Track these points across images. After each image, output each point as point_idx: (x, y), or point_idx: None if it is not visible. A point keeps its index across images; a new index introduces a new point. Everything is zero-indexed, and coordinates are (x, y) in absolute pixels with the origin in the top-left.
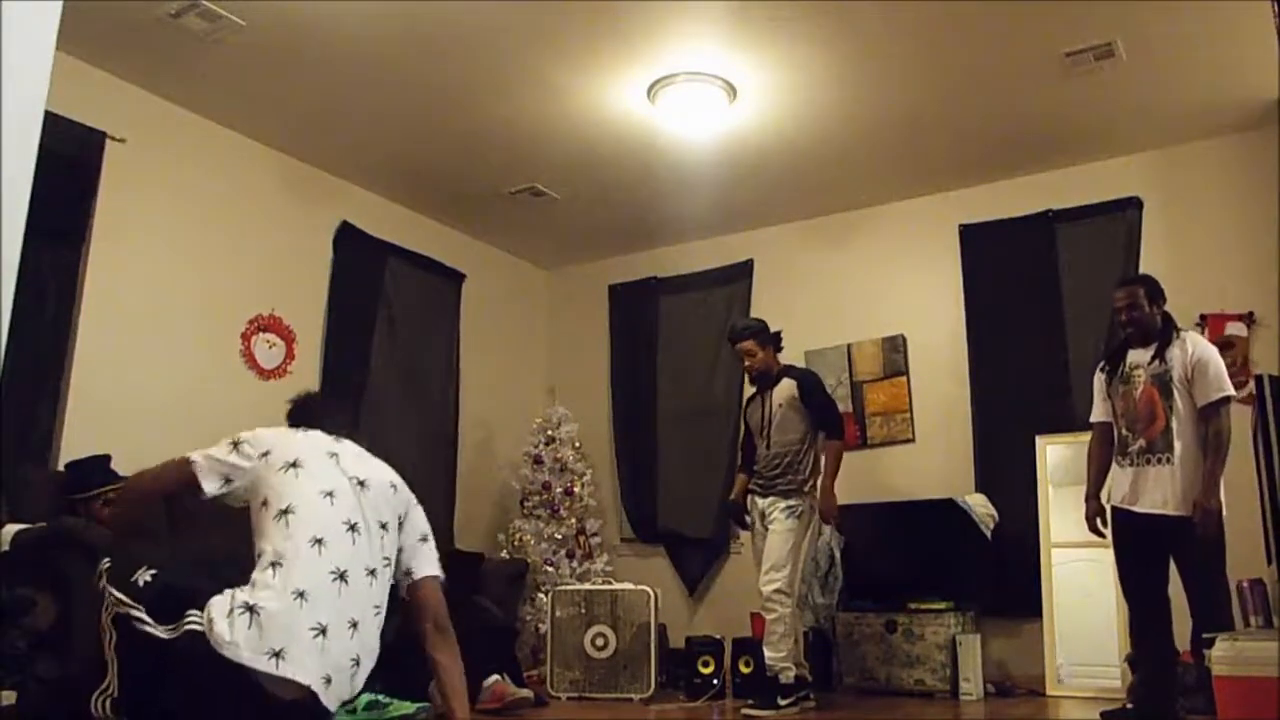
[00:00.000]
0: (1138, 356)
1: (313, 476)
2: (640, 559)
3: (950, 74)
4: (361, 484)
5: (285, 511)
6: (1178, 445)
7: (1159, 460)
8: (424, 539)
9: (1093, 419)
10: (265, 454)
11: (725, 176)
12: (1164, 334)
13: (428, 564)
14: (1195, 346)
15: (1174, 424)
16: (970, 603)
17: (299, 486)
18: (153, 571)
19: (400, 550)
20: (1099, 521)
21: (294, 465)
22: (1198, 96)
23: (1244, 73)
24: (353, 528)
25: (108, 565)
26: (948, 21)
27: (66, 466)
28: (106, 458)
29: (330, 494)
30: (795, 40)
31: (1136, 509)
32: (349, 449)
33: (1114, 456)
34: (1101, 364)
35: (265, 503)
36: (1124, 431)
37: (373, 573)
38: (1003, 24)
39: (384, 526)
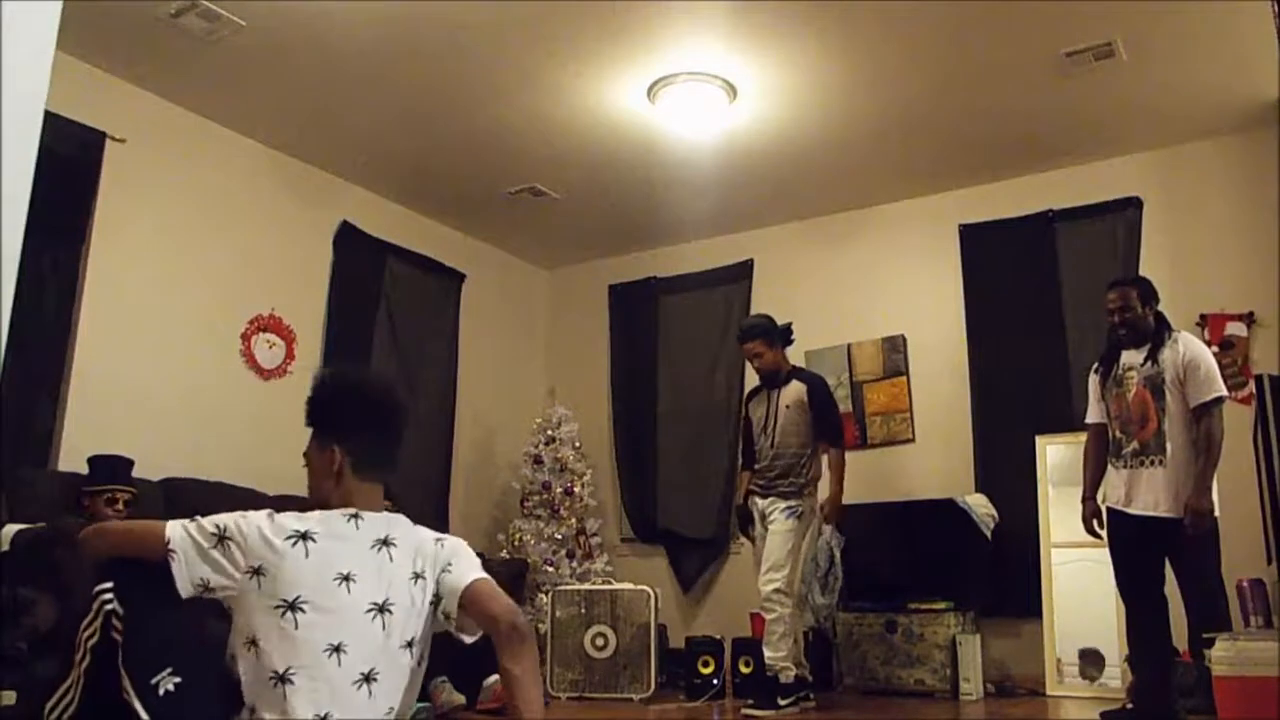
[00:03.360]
0: (1131, 358)
1: (315, 626)
2: (640, 559)
3: (950, 74)
4: (381, 608)
5: (281, 679)
6: (1170, 447)
7: (1152, 462)
8: (449, 567)
9: (1087, 420)
10: (256, 571)
11: (725, 176)
12: (1157, 335)
13: (468, 571)
14: (1187, 347)
15: (1166, 425)
16: (970, 603)
17: (298, 643)
18: (177, 680)
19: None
20: (1095, 523)
21: (293, 608)
22: (1198, 96)
23: (1244, 73)
24: (368, 678)
25: (112, 606)
26: (948, 21)
27: (88, 460)
28: (129, 461)
29: (338, 649)
30: (795, 40)
31: (1130, 510)
32: (367, 556)
33: (1109, 458)
34: (1095, 365)
35: (253, 646)
36: (1118, 433)
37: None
38: (1002, 24)
39: (410, 645)
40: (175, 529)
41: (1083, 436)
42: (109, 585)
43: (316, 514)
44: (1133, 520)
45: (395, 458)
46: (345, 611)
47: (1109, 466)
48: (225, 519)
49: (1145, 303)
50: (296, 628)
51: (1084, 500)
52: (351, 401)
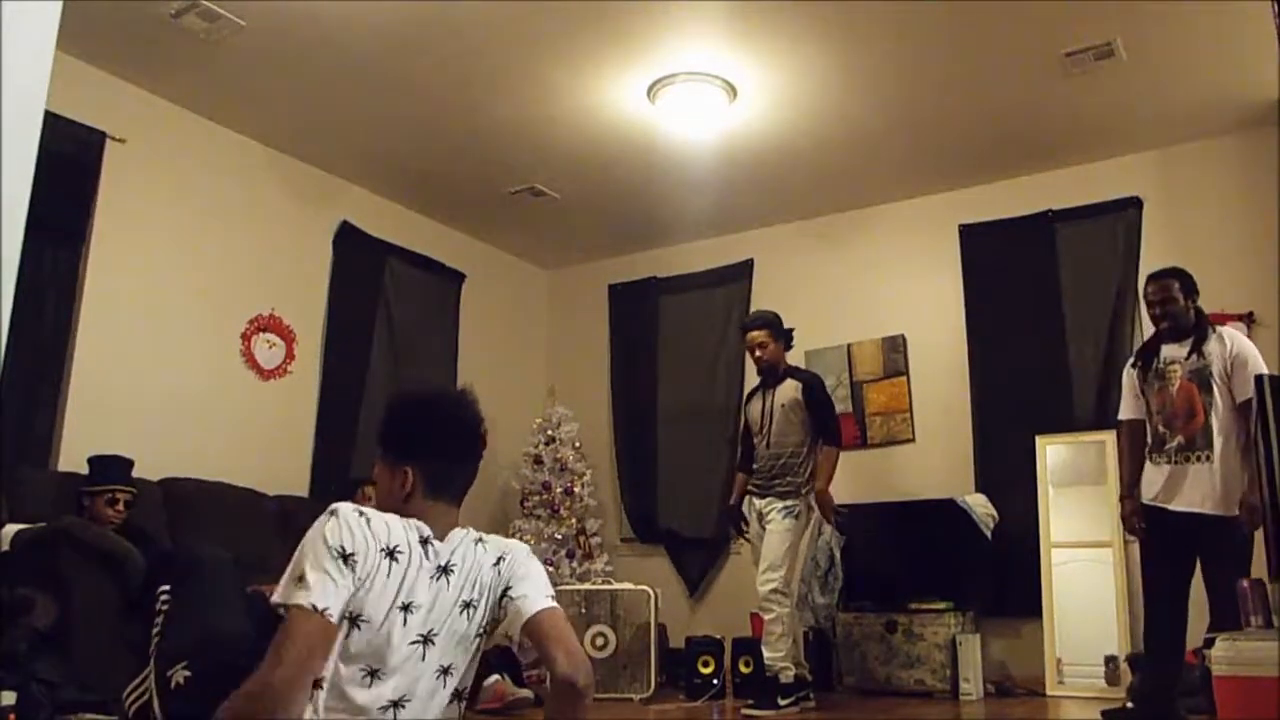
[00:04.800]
0: (1172, 351)
1: (361, 647)
2: (640, 559)
3: (950, 74)
4: (426, 639)
5: (315, 684)
6: (1218, 442)
7: (1199, 458)
8: (511, 591)
9: (1122, 416)
10: (360, 583)
11: (725, 176)
12: (1198, 328)
13: (536, 599)
14: (1233, 341)
15: (1213, 420)
16: (970, 603)
17: (341, 659)
18: (187, 674)
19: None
20: (1136, 520)
21: (354, 623)
22: (1198, 96)
23: (1244, 73)
24: (396, 704)
25: (167, 604)
26: (948, 21)
27: (88, 460)
28: (129, 461)
29: (374, 674)
30: (795, 40)
31: (1172, 507)
32: (430, 587)
33: (1149, 453)
34: (1132, 360)
35: None
36: (1160, 428)
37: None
38: (1002, 24)
39: (446, 671)
40: (317, 596)
41: (1082, 436)
42: (166, 587)
43: (393, 520)
44: (1173, 517)
45: (471, 479)
46: (394, 641)
47: (1148, 462)
48: (335, 535)
49: (1186, 295)
50: (346, 639)
51: (1123, 498)
52: (427, 424)
